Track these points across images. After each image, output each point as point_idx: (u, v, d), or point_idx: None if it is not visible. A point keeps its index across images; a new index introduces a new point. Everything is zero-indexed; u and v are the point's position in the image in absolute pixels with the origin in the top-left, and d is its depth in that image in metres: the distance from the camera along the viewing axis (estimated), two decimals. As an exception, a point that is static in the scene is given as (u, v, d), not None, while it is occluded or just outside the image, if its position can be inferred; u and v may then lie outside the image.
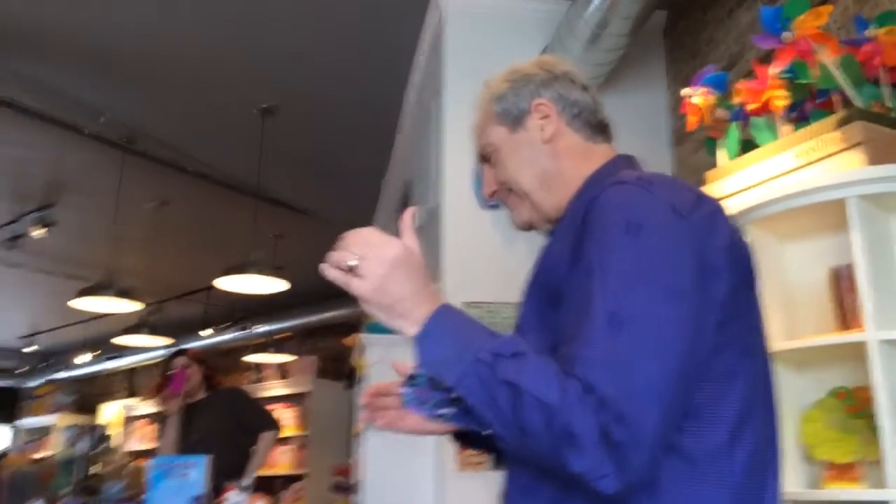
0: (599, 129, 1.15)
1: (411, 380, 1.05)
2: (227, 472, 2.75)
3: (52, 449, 8.80)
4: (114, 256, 5.26)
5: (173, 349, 4.07)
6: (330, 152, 5.13)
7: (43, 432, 9.88)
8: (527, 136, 1.13)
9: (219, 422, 3.57)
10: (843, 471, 1.61)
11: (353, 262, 0.92)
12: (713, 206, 0.98)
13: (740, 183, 1.86)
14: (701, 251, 0.91)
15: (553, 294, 0.98)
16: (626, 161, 1.13)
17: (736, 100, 1.96)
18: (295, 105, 4.55)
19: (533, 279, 1.07)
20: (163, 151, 4.83)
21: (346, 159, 5.25)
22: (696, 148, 3.30)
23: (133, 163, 4.84)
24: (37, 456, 8.19)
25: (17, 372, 10.56)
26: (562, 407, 0.81)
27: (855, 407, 1.59)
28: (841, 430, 1.59)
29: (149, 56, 4.09)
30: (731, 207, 1.84)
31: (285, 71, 4.23)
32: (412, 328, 0.93)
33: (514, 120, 1.14)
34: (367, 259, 0.92)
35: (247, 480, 1.90)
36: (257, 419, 3.76)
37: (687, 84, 2.13)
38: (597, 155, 1.12)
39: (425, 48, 3.98)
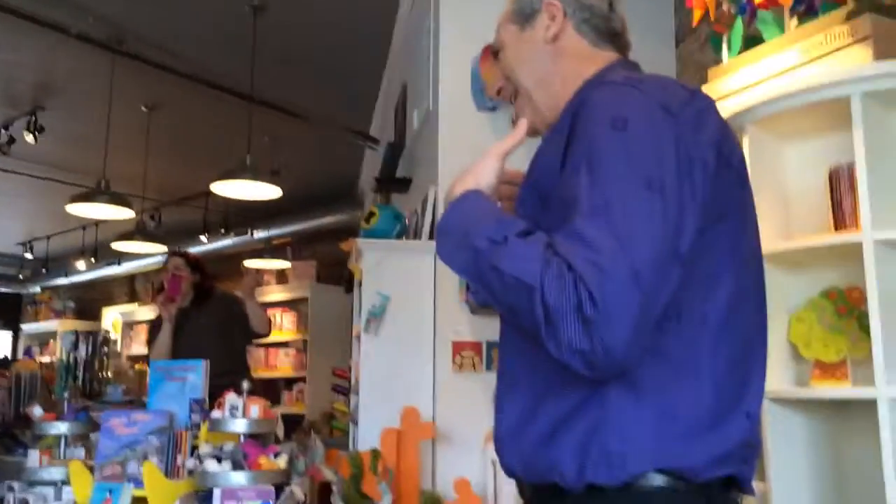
0: (609, 36, 1.15)
1: None
2: (222, 375, 2.79)
3: (55, 354, 8.99)
4: (108, 162, 5.19)
5: (170, 252, 4.08)
6: (325, 52, 4.99)
7: (46, 338, 10.06)
8: (532, 34, 1.15)
9: (212, 326, 3.61)
10: (830, 369, 1.63)
11: None
12: (705, 103, 0.99)
13: (743, 80, 1.81)
14: (687, 146, 0.92)
15: (544, 197, 1.00)
16: (624, 65, 1.13)
17: (742, -8, 1.88)
18: (288, 1, 4.40)
19: (525, 181, 1.09)
20: (153, 53, 4.69)
21: (343, 60, 5.11)
22: (701, 46, 3.21)
23: (123, 65, 4.71)
24: (43, 360, 8.37)
25: (19, 278, 10.65)
26: (541, 285, 0.84)
27: (845, 307, 1.59)
28: (830, 329, 1.60)
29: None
30: (732, 106, 1.79)
31: (278, -35, 4.07)
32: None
33: (525, 18, 1.16)
34: None
35: (246, 384, 1.92)
36: (248, 328, 3.78)
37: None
38: (599, 60, 1.13)
39: (422, -58, 3.81)
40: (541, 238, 0.89)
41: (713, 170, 0.93)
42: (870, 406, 1.48)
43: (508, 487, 2.50)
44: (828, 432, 1.73)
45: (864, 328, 1.48)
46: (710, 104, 1.00)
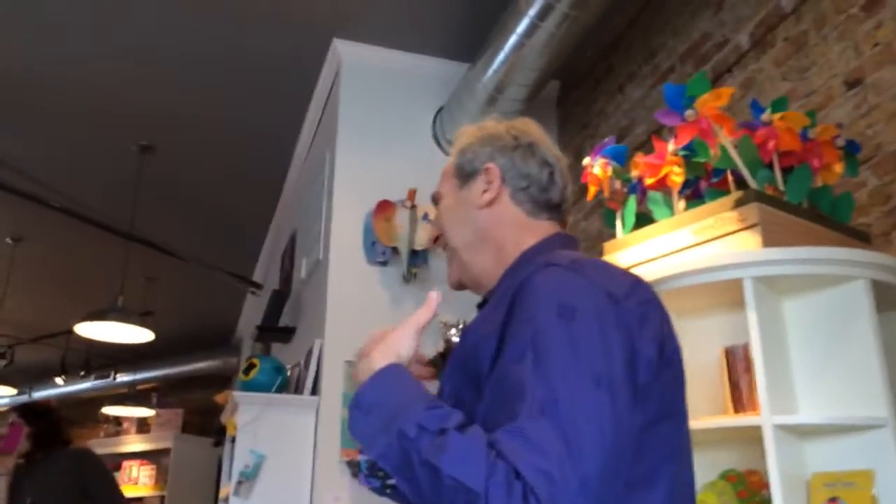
0: (546, 206, 1.12)
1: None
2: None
3: None
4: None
5: (19, 400, 3.68)
6: (213, 195, 4.90)
7: None
8: (468, 195, 1.13)
9: (55, 485, 3.21)
10: (732, 556, 1.58)
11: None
12: (649, 294, 0.96)
13: (637, 256, 1.85)
14: (632, 337, 0.88)
15: (473, 377, 0.94)
16: (563, 240, 1.10)
17: (634, 173, 1.96)
18: (178, 145, 4.33)
19: (456, 353, 1.03)
20: (27, 184, 4.46)
21: (231, 204, 5.03)
22: (586, 215, 3.35)
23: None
24: None
25: None
26: (485, 492, 0.76)
27: (746, 492, 1.57)
28: (733, 514, 1.56)
29: (14, 81, 3.78)
30: (627, 280, 1.82)
31: (170, 108, 4.02)
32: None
33: (465, 177, 1.15)
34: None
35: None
36: (102, 493, 3.40)
37: (577, 154, 2.14)
38: (537, 230, 1.10)
39: (320, 97, 3.89)
40: (480, 434, 0.81)
41: (655, 367, 0.89)
42: None
43: None
44: None
45: (765, 514, 1.45)
46: (652, 296, 0.97)
